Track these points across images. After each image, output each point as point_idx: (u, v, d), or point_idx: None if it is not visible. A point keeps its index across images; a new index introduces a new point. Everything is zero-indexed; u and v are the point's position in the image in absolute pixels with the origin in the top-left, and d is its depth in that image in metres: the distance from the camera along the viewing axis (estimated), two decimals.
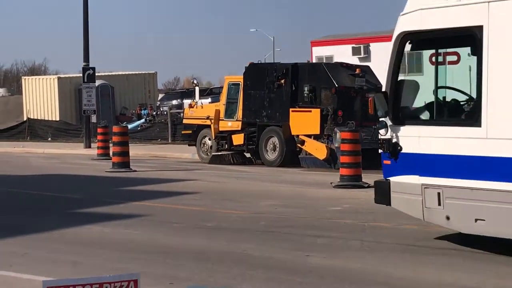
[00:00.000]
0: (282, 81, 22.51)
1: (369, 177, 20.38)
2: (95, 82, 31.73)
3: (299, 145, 22.33)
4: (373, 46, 31.12)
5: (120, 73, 48.04)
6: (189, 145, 25.81)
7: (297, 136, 22.30)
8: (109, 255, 9.81)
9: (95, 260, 9.52)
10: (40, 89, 42.32)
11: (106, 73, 49.72)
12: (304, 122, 22.07)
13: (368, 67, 23.41)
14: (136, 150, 27.31)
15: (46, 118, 41.24)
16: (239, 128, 23.69)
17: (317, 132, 21.79)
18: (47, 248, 10.34)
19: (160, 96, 48.70)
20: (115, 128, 22.12)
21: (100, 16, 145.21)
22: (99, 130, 26.14)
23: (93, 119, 33.18)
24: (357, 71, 22.33)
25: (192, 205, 14.56)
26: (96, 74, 32.53)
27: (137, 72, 47.03)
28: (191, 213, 13.58)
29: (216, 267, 9.02)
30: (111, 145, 23.62)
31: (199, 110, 25.07)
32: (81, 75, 33.40)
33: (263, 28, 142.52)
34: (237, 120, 23.86)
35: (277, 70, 22.76)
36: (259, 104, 23.12)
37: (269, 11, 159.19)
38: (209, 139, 24.78)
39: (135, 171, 21.16)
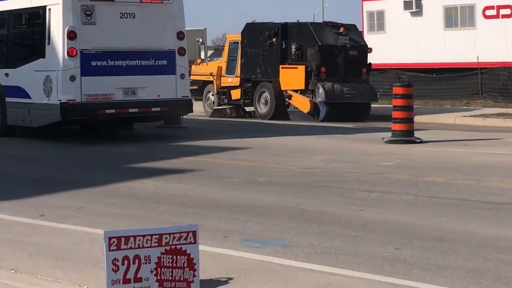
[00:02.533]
0: (274, 39, 24.01)
1: (358, 128, 20.91)
2: None
3: (287, 99, 23.93)
4: (425, 1, 30.64)
5: (192, 28, 47.94)
6: (195, 99, 26.71)
7: (286, 91, 23.88)
8: (163, 209, 9.92)
9: (150, 213, 9.63)
10: None
11: None
12: (291, 78, 23.61)
13: (354, 25, 24.77)
14: None
15: None
16: (238, 84, 25.23)
17: (302, 87, 23.38)
18: (102, 201, 10.48)
19: (210, 52, 48.66)
20: None
21: None
22: None
23: None
24: (341, 30, 23.59)
25: (243, 160, 14.62)
26: None
27: (186, 29, 46.91)
28: (242, 168, 13.64)
29: (269, 221, 9.07)
30: None
31: (204, 67, 26.97)
32: None
33: None
34: (236, 76, 25.35)
35: (269, 29, 24.17)
36: (254, 61, 24.61)
37: None
38: (212, 94, 26.45)
39: (187, 127, 21.27)
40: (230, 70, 25.65)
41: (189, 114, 19.19)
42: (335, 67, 23.28)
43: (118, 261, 5.07)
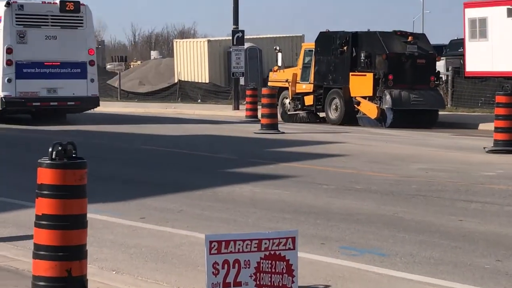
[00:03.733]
0: (345, 48, 24.89)
1: (425, 135, 20.57)
2: (243, 45, 32.10)
3: (356, 105, 24.72)
4: None
5: (268, 36, 48.30)
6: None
7: (355, 97, 24.67)
8: (260, 214, 9.98)
9: (247, 218, 9.71)
10: (191, 52, 43.21)
11: (254, 36, 50.14)
12: (360, 85, 24.44)
13: (423, 34, 25.56)
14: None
15: (196, 80, 42.12)
16: (311, 90, 26.09)
17: (370, 94, 24.16)
18: (200, 205, 10.62)
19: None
20: (264, 90, 22.47)
21: None
22: (248, 92, 26.93)
23: (242, 81, 33.64)
24: (410, 38, 24.34)
25: (340, 167, 14.58)
26: (244, 37, 32.87)
27: (284, 35, 47.13)
28: (339, 175, 13.60)
29: (366, 229, 9.02)
30: (259, 107, 24.24)
31: (280, 74, 27.73)
32: (230, 38, 33.85)
33: None
34: (309, 83, 26.23)
35: (340, 38, 25.14)
36: (326, 69, 25.54)
37: None
38: (288, 101, 27.39)
39: (283, 132, 21.35)
40: (304, 77, 26.59)
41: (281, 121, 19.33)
42: (403, 75, 23.96)
43: (218, 264, 5.14)
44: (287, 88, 26.92)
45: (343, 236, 8.65)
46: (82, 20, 24.46)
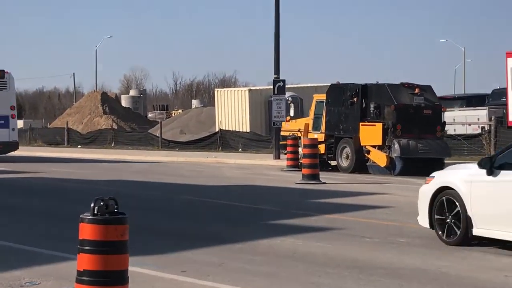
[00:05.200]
0: (355, 99, 26.07)
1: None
2: (285, 94, 32.22)
3: (366, 154, 25.84)
4: None
5: (309, 85, 48.50)
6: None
7: (365, 146, 25.82)
8: (302, 268, 9.88)
9: (289, 272, 9.62)
10: (232, 101, 43.51)
11: (295, 85, 50.38)
12: (370, 134, 25.66)
13: (429, 86, 26.10)
14: None
15: (237, 129, 42.31)
16: (323, 139, 26.97)
17: (380, 143, 25.32)
18: (241, 258, 10.55)
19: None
20: (305, 141, 22.49)
21: (288, 26, 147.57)
22: (289, 142, 27.01)
23: None
24: (417, 90, 25.44)
25: (383, 219, 14.44)
26: (286, 86, 33.00)
27: (326, 84, 47.21)
28: (383, 227, 13.47)
29: (410, 285, 8.87)
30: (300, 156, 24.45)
31: (293, 123, 29.43)
32: (270, 87, 34.08)
33: (454, 38, 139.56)
34: (321, 132, 27.41)
35: (350, 89, 26.33)
36: (337, 119, 26.80)
37: (460, 20, 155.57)
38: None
39: (325, 183, 21.27)
40: (316, 127, 27.77)
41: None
42: (410, 125, 25.07)
43: None
44: (299, 138, 27.64)
45: None
46: (6, 84, 31.94)
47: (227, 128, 42.43)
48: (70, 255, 9.76)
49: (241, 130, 42.08)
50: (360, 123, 25.88)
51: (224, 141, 40.83)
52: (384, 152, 25.15)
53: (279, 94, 31.47)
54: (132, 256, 7.06)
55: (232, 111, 43.36)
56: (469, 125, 32.63)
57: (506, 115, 31.18)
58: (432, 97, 26.03)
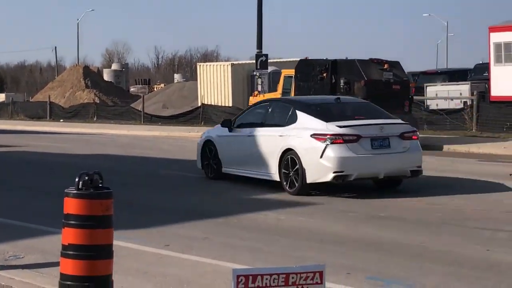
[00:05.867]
0: (324, 74, 25.85)
1: (450, 160, 20.30)
2: (267, 68, 32.23)
3: None
4: None
5: (291, 59, 48.42)
6: None
7: None
8: (286, 243, 9.96)
9: (272, 247, 9.68)
10: (214, 75, 43.40)
11: (278, 60, 50.28)
12: None
13: (397, 62, 26.13)
14: None
15: (220, 104, 42.25)
16: None
17: None
18: (225, 233, 10.62)
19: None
20: None
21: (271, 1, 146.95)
22: None
23: None
24: (386, 66, 25.46)
25: (365, 194, 14.50)
26: (269, 60, 32.99)
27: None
28: (365, 202, 13.55)
29: (392, 259, 8.97)
30: None
31: (260, 98, 28.52)
32: (253, 61, 34.01)
33: (437, 13, 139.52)
34: None
35: (320, 65, 26.09)
36: (306, 94, 26.18)
37: None
38: None
39: None
40: None
41: None
42: (380, 100, 24.82)
43: None
44: None
45: (368, 266, 8.60)
46: None
47: (209, 103, 42.36)
48: (55, 229, 9.79)
49: (223, 104, 42.02)
50: None
51: (206, 115, 40.77)
52: None
53: (262, 68, 31.47)
54: (117, 230, 7.10)
55: (215, 86, 43.28)
56: (452, 99, 32.76)
57: (488, 90, 31.37)
58: (400, 72, 26.25)
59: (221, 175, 16.53)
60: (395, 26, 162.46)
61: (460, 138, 27.13)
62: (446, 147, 24.93)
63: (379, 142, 14.34)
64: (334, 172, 13.88)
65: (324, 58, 26.67)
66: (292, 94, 27.37)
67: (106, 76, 71.93)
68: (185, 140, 30.94)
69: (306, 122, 14.61)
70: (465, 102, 31.65)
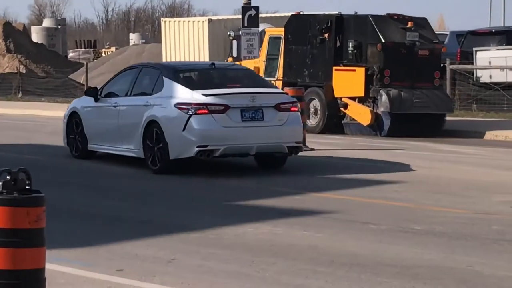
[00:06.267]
0: (326, 35, 25.98)
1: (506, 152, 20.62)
2: (258, 26, 32.18)
3: (342, 109, 26.03)
4: None
5: (287, 14, 48.42)
6: None
7: (340, 98, 26.00)
8: (283, 267, 9.97)
9: (265, 272, 9.71)
10: (185, 35, 43.36)
11: (271, 15, 50.32)
12: (348, 82, 25.71)
13: (424, 19, 26.54)
14: None
15: None
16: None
17: (362, 94, 25.47)
18: (199, 253, 10.64)
19: None
20: (288, 91, 22.45)
21: None
22: None
23: None
24: (410, 24, 25.41)
25: (392, 199, 14.61)
26: (259, 16, 32.95)
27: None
28: (391, 210, 13.64)
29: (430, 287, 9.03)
30: None
31: None
32: (238, 16, 33.95)
33: None
34: (277, 80, 27.25)
35: (320, 22, 26.26)
36: (301, 62, 26.71)
37: None
38: None
39: (313, 149, 21.35)
40: (269, 72, 27.84)
41: None
42: (402, 70, 25.20)
43: None
44: None
45: None
46: None
47: None
48: None
49: None
50: (334, 67, 25.92)
51: None
52: (367, 106, 25.34)
53: (251, 26, 31.39)
54: (50, 249, 7.09)
55: (186, 48, 43.25)
56: (510, 69, 32.84)
57: None
58: (429, 33, 26.20)
59: (87, 153, 18.80)
60: None
61: None
62: (493, 134, 25.07)
63: (251, 114, 16.37)
64: (197, 147, 16.02)
65: (325, 13, 26.81)
66: (281, 61, 27.41)
67: (36, 36, 71.78)
68: None
69: (172, 90, 16.64)
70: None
